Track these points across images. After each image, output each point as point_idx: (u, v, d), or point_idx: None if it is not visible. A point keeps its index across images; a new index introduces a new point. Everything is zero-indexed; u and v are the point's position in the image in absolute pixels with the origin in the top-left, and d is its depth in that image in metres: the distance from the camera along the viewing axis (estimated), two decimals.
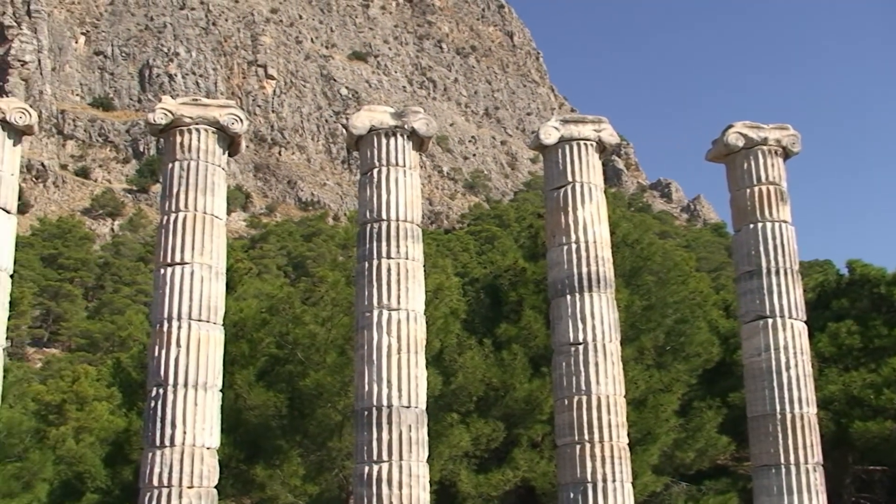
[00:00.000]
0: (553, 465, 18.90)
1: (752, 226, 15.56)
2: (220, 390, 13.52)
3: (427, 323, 14.56)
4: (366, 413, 13.56)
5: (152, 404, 13.01)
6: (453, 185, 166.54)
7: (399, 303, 13.93)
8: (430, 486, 13.85)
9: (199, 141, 14.11)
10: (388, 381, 13.56)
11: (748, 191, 15.75)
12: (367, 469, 13.34)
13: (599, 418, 14.18)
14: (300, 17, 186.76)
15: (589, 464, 14.05)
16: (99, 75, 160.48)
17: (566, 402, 14.46)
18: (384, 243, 14.16)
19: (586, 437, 14.14)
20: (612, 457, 14.10)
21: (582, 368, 14.39)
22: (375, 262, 14.10)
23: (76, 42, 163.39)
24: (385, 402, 13.45)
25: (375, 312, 13.87)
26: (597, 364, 14.38)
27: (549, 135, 15.57)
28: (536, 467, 21.39)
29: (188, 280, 13.41)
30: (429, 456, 13.85)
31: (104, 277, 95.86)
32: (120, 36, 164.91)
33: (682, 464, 23.35)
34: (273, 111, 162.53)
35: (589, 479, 13.99)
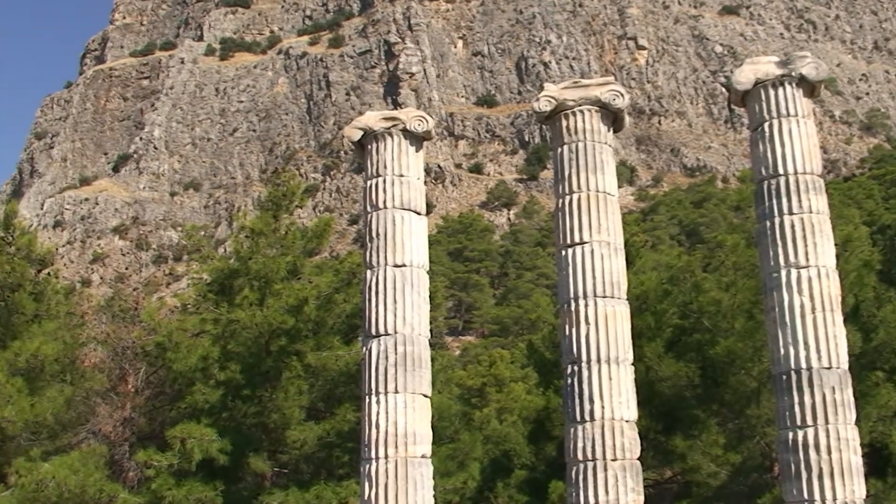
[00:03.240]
0: None
1: None
2: (631, 364, 13.71)
3: (839, 278, 13.77)
4: (784, 377, 13.10)
5: (569, 381, 13.47)
6: (847, 129, 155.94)
7: (808, 259, 13.29)
8: (861, 449, 13.10)
9: (583, 122, 14.38)
10: (805, 343, 12.99)
11: None
12: (791, 435, 12.88)
13: None
14: None
15: None
16: (479, 75, 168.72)
17: None
18: (784, 199, 13.57)
19: None
20: None
21: None
22: (777, 220, 13.55)
23: (455, 47, 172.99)
24: (804, 365, 12.90)
25: (783, 272, 13.33)
26: None
27: None
28: None
29: (589, 258, 13.72)
30: (856, 418, 13.11)
31: (506, 265, 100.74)
32: (494, 34, 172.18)
33: None
34: (648, 81, 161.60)
35: None
